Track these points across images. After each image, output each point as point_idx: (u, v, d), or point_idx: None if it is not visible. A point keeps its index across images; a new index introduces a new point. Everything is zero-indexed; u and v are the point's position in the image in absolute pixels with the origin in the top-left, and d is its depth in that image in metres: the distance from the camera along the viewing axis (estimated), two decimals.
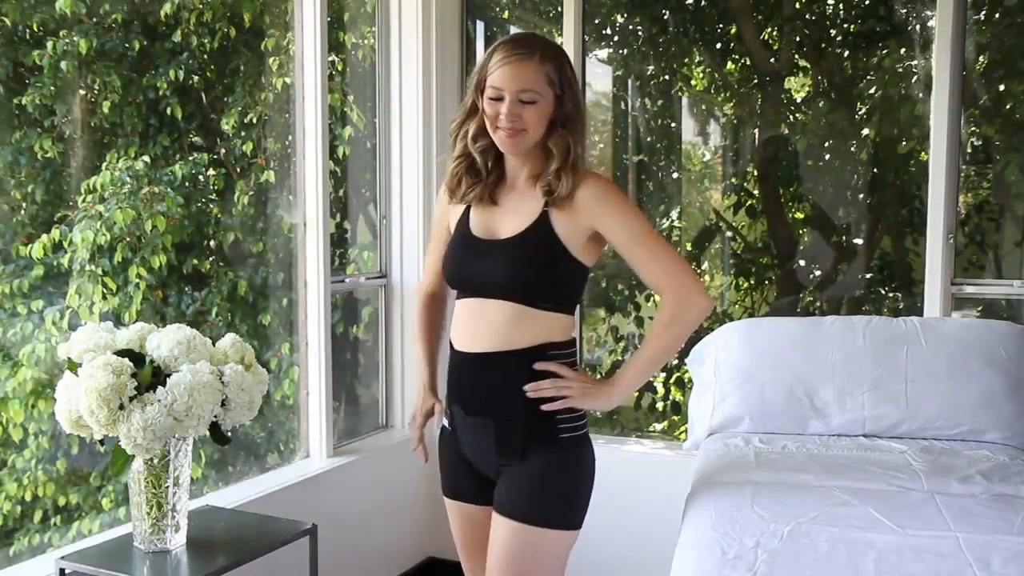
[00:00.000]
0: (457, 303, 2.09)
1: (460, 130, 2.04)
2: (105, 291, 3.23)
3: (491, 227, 2.03)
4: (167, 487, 2.16)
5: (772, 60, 4.22)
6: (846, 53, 4.11)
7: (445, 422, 2.15)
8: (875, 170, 4.01)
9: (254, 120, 3.68)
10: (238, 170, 3.71)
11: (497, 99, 1.92)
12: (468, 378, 2.04)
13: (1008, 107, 3.71)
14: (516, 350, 1.97)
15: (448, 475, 2.19)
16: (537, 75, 1.91)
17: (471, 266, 2.03)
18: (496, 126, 1.94)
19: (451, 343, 2.09)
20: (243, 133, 3.68)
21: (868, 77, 4.02)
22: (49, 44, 3.19)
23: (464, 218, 2.07)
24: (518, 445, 1.98)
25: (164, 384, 2.06)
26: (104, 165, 3.32)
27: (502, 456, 2.00)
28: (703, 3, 4.30)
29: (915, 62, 3.84)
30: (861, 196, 4.08)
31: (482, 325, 1.99)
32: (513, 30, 4.39)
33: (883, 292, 4.07)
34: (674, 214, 4.32)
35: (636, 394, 4.26)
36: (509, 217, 2.01)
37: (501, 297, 1.97)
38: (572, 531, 2.00)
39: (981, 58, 3.64)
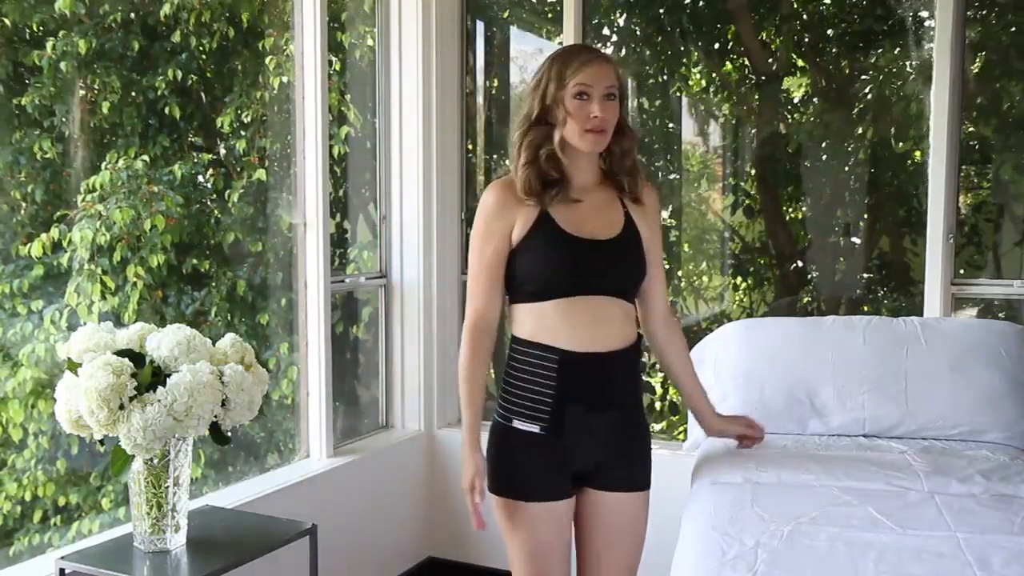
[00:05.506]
0: (547, 303, 2.08)
1: (524, 139, 2.11)
2: (104, 290, 3.23)
3: (584, 227, 2.10)
4: (167, 487, 2.16)
5: (770, 60, 4.22)
6: (844, 53, 4.11)
7: (533, 428, 2.10)
8: (873, 170, 4.02)
9: (249, 119, 3.67)
10: (238, 169, 3.71)
11: (584, 98, 2.03)
12: (595, 377, 2.10)
13: (1006, 107, 3.71)
14: (630, 345, 2.14)
15: (535, 479, 2.13)
16: (615, 74, 2.07)
17: (588, 268, 2.08)
18: (586, 127, 2.04)
19: (546, 345, 2.07)
20: (242, 133, 3.68)
21: (865, 77, 4.02)
22: (49, 44, 3.18)
23: (546, 220, 2.09)
24: (639, 430, 2.22)
25: (164, 384, 2.06)
26: (103, 165, 3.32)
27: (623, 442, 2.17)
28: (701, 3, 4.30)
29: (913, 61, 3.84)
30: (859, 196, 4.08)
31: (602, 325, 2.09)
32: (513, 30, 4.39)
33: (882, 292, 4.07)
34: (666, 213, 4.32)
35: None
36: (597, 217, 2.12)
37: (614, 295, 2.10)
38: None
39: (979, 59, 3.64)
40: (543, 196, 2.08)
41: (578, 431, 2.10)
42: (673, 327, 2.37)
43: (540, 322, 2.08)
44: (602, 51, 2.21)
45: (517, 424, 2.11)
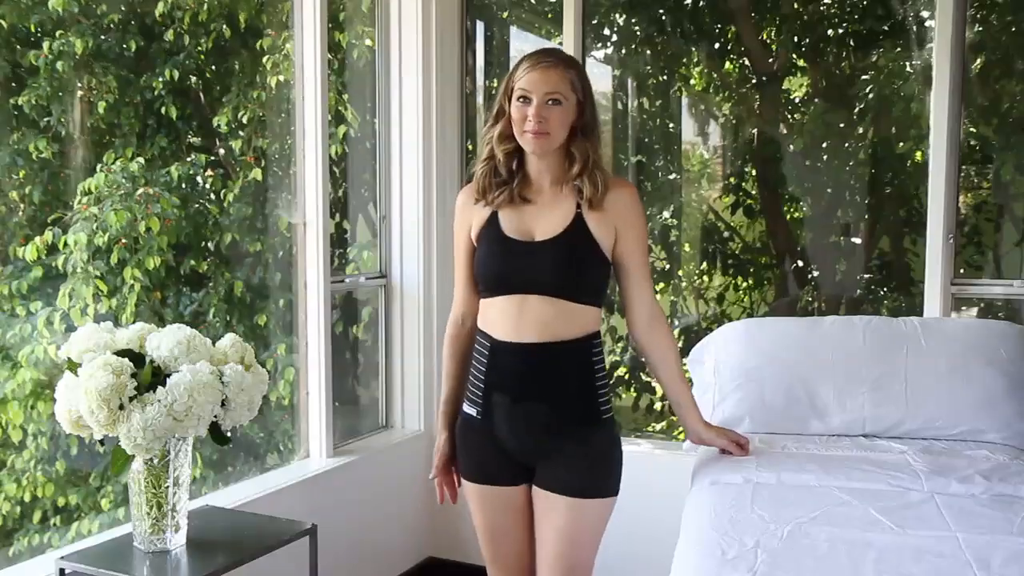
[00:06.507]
0: (493, 299, 2.18)
1: (488, 135, 2.20)
2: (99, 293, 3.22)
3: (526, 228, 2.16)
4: (167, 487, 2.16)
5: (770, 60, 4.22)
6: (844, 53, 4.11)
7: (472, 411, 2.22)
8: (873, 170, 4.01)
9: (247, 119, 3.67)
10: (236, 170, 3.70)
11: (525, 102, 2.08)
12: (518, 367, 2.15)
13: (1006, 107, 3.71)
14: (567, 340, 2.13)
15: (479, 462, 2.26)
16: (562, 80, 2.09)
17: (512, 267, 2.15)
18: (523, 129, 2.09)
19: (486, 333, 2.19)
20: (240, 133, 3.68)
21: (865, 77, 4.02)
22: (45, 45, 3.18)
23: (493, 221, 2.19)
24: (570, 427, 2.15)
25: (164, 384, 2.06)
26: (99, 166, 3.31)
27: (552, 439, 2.16)
28: (701, 3, 4.29)
29: (913, 62, 3.84)
30: (859, 196, 4.08)
31: (529, 320, 2.12)
32: (513, 30, 4.39)
33: (882, 292, 4.07)
34: (667, 213, 4.31)
35: (634, 394, 4.27)
36: (543, 219, 2.16)
37: (548, 295, 2.12)
38: (615, 497, 2.21)
39: (979, 60, 3.64)
40: (488, 197, 2.19)
41: (504, 419, 2.17)
42: (657, 333, 2.29)
43: (486, 314, 2.21)
44: (560, 56, 2.15)
45: (464, 407, 2.25)
